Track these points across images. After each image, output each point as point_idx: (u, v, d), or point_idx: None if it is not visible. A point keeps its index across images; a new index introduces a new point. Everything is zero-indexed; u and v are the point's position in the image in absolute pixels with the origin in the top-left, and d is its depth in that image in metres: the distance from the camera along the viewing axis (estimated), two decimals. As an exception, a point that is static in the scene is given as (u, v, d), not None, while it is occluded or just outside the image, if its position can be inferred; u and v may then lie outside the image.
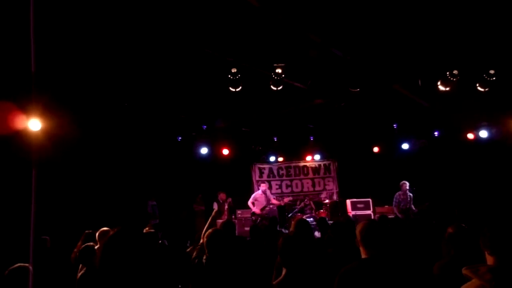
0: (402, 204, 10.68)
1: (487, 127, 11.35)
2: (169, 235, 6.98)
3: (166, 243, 6.32)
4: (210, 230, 3.78)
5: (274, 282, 2.89)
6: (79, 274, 4.41)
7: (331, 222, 7.63)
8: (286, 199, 12.74)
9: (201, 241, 4.34)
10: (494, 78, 8.14)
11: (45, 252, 6.06)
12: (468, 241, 3.26)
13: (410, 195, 10.73)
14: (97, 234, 5.27)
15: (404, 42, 7.43)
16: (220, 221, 10.85)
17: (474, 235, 3.43)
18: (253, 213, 11.51)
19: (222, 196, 12.27)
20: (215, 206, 12.14)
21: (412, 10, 6.50)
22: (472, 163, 11.70)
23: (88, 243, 4.72)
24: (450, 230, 3.38)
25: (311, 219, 11.28)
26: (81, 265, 4.56)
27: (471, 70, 8.30)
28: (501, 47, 7.60)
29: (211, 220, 4.95)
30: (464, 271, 2.22)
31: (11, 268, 3.33)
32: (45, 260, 5.55)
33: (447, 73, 8.12)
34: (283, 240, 3.03)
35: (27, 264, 3.38)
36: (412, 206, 10.67)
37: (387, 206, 11.79)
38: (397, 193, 10.82)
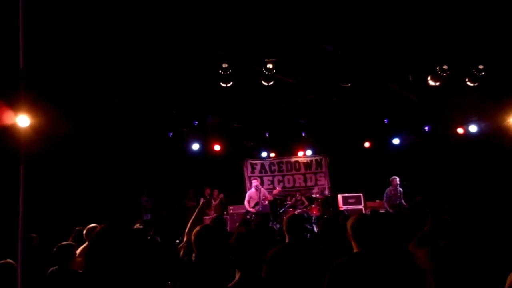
0: (392, 200, 10.74)
1: (476, 122, 11.45)
2: (161, 231, 6.96)
3: (159, 239, 6.30)
4: (197, 228, 3.72)
5: (228, 285, 2.44)
6: (49, 270, 4.29)
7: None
8: (275, 191, 12.74)
9: (185, 238, 4.25)
10: (483, 73, 8.21)
11: (32, 251, 5.96)
12: (454, 231, 3.30)
13: (400, 190, 10.79)
14: (84, 231, 5.22)
15: (395, 37, 7.45)
16: (207, 218, 10.86)
17: (463, 227, 3.48)
18: (247, 211, 11.51)
19: (208, 191, 12.29)
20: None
21: (402, 6, 6.51)
22: (462, 157, 11.80)
23: (66, 242, 4.59)
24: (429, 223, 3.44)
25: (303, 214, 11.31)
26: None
27: (460, 65, 8.35)
28: (490, 42, 7.65)
29: (198, 210, 4.85)
30: None
31: None
32: (32, 258, 5.47)
33: (437, 68, 8.17)
34: (236, 238, 2.56)
35: (10, 260, 3.32)
36: (403, 201, 10.73)
37: (378, 201, 11.86)
38: (387, 189, 10.87)
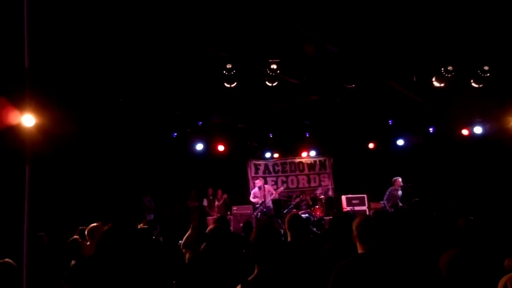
0: (393, 199, 10.71)
1: (481, 123, 11.40)
2: (164, 231, 6.96)
3: (161, 239, 6.31)
4: (211, 226, 3.81)
5: (248, 279, 2.59)
6: (69, 268, 4.40)
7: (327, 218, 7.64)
8: (279, 190, 12.71)
9: (183, 250, 4.33)
10: (488, 74, 8.17)
11: (42, 249, 6.02)
12: (477, 234, 3.23)
13: (399, 193, 10.77)
14: (86, 230, 5.21)
15: (399, 38, 7.43)
16: (210, 218, 10.90)
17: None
18: (254, 207, 11.67)
19: (211, 191, 12.32)
20: (205, 203, 12.21)
21: (407, 6, 6.50)
22: (466, 159, 11.74)
23: (73, 237, 4.74)
24: (460, 223, 3.35)
25: (307, 215, 11.30)
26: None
27: (465, 66, 8.32)
28: (495, 43, 7.62)
29: (186, 237, 4.93)
30: (507, 262, 2.27)
31: None
32: (42, 256, 5.52)
33: (442, 69, 8.15)
34: (256, 235, 2.71)
35: (9, 260, 3.30)
36: (399, 203, 10.69)
37: (382, 202, 11.82)
38: (390, 188, 10.83)
